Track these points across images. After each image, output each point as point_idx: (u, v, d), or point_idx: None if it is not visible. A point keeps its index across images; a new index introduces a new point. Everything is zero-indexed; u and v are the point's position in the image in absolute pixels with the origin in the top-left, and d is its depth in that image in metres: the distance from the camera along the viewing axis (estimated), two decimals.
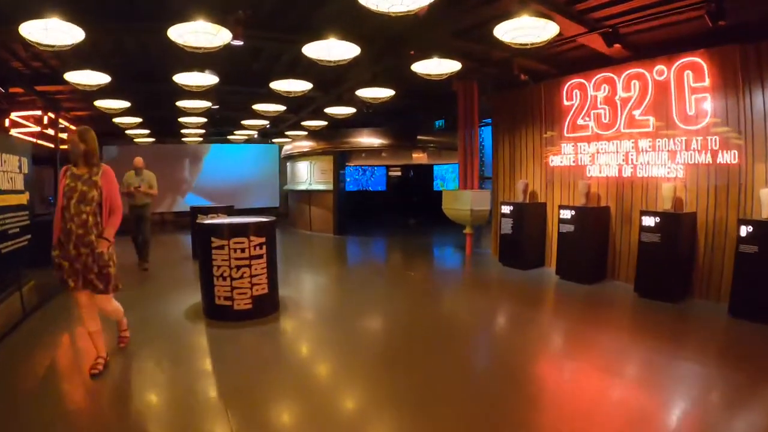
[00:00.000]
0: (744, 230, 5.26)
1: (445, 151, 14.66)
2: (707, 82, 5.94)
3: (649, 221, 6.05)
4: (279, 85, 7.01)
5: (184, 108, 8.99)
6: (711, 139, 5.96)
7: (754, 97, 5.62)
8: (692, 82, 6.07)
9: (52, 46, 4.31)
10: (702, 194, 6.11)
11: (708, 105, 5.95)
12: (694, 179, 6.16)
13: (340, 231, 13.39)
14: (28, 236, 5.55)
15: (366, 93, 7.60)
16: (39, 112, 9.49)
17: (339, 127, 12.92)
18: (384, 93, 7.58)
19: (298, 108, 10.51)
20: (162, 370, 3.97)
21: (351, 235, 13.32)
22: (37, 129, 9.84)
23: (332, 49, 5.24)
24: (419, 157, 15.47)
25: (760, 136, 5.59)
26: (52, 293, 6.02)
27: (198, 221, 5.52)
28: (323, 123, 11.48)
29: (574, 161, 7.58)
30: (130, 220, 7.95)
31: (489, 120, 11.05)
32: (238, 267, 5.10)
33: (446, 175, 17.39)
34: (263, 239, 5.24)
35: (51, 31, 4.20)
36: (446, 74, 6.13)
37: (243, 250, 5.10)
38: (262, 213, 18.88)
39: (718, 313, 5.40)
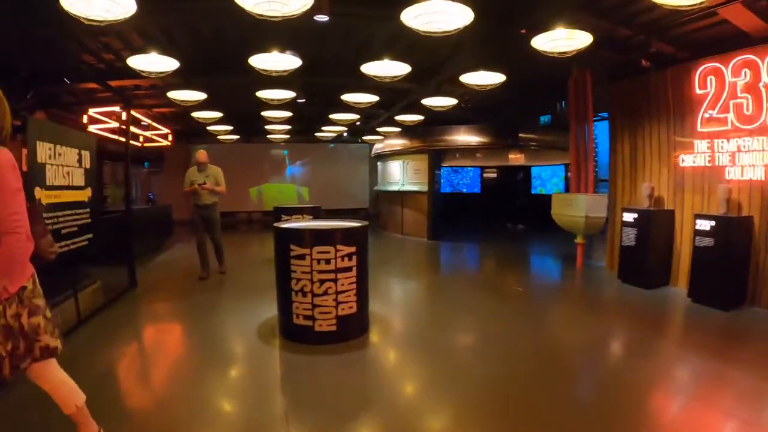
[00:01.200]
0: None
1: (545, 151, 14.23)
2: None
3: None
4: (371, 69, 6.76)
5: (266, 99, 8.95)
6: None
7: None
8: None
9: (100, 22, 4.01)
10: None
11: None
12: None
13: (434, 236, 13.36)
14: (89, 235, 5.57)
15: (471, 79, 7.32)
16: (117, 108, 10.01)
17: (434, 124, 12.95)
18: (492, 78, 7.24)
19: (392, 100, 10.60)
20: (215, 412, 3.60)
21: (445, 240, 13.25)
22: (114, 125, 10.64)
23: (437, 15, 4.40)
24: (516, 158, 15.09)
25: None
26: (119, 293, 6.74)
27: (275, 224, 5.22)
28: (418, 118, 11.43)
29: (709, 161, 6.89)
30: (196, 223, 7.91)
31: (604, 114, 10.41)
32: (322, 281, 4.75)
33: (545, 177, 16.76)
34: (353, 248, 4.84)
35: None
36: (573, 51, 5.47)
37: (328, 262, 4.73)
38: (351, 214, 20.37)
39: None
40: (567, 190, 14.70)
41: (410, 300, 7.52)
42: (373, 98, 9.01)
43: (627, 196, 8.47)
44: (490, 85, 7.40)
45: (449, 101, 9.44)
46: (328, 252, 4.74)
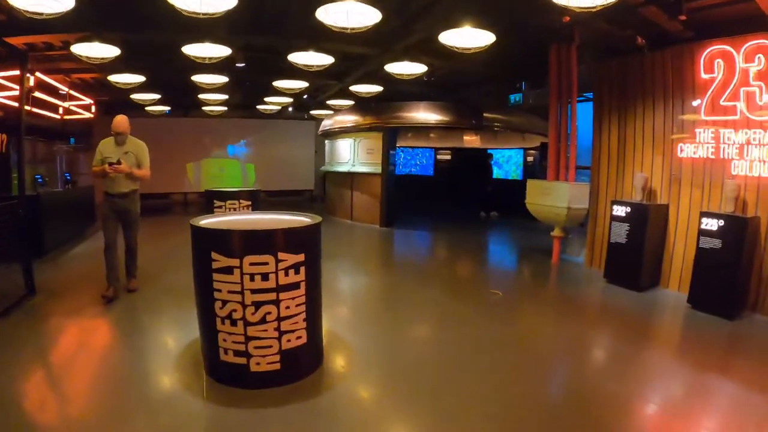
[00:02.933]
0: None
1: (503, 134, 14.44)
2: None
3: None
4: (330, 18, 5.95)
5: (196, 58, 8.06)
6: None
7: None
8: None
9: None
10: None
11: None
12: None
13: (387, 222, 13.18)
14: None
15: (452, 39, 6.82)
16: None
17: (390, 100, 12.69)
18: (477, 40, 6.78)
19: (347, 69, 10.13)
20: None
21: (400, 227, 13.08)
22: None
23: None
24: (471, 140, 15.22)
25: None
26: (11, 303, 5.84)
27: (192, 222, 4.11)
28: (376, 89, 11.02)
29: (713, 152, 6.98)
30: (105, 217, 6.36)
31: (588, 95, 10.47)
32: (258, 304, 3.80)
33: (501, 161, 17.19)
34: (301, 256, 3.92)
35: None
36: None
37: (266, 277, 3.77)
38: (295, 196, 20.04)
39: None
40: (526, 176, 14.95)
41: (372, 309, 6.73)
42: (327, 60, 8.43)
43: (612, 186, 8.51)
44: (473, 48, 6.98)
45: (417, 68, 9.00)
46: (266, 263, 3.76)
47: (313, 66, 8.50)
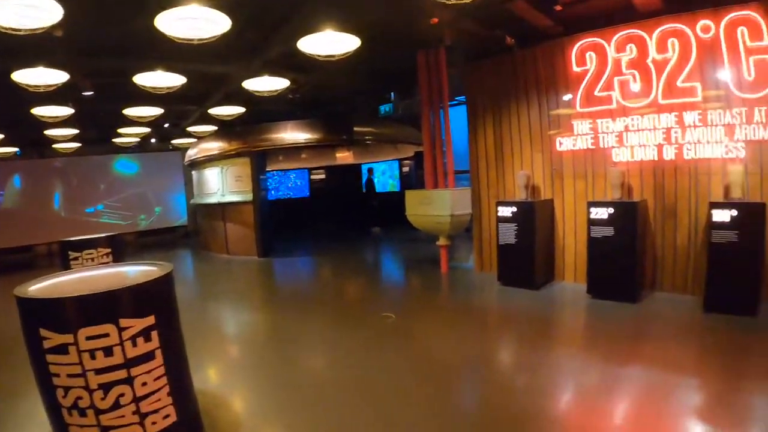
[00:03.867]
0: None
1: (376, 146, 14.50)
2: (766, 41, 5.93)
3: (722, 216, 5.87)
4: (173, 29, 5.28)
5: (27, 86, 6.93)
6: None
7: None
8: (748, 41, 6.02)
9: None
10: None
11: None
12: (758, 159, 6.13)
13: (265, 252, 12.51)
14: None
15: (314, 47, 6.39)
16: None
17: (255, 121, 12.25)
18: (346, 45, 6.43)
19: (206, 90, 9.39)
20: None
21: (279, 256, 12.49)
22: None
23: None
24: (344, 157, 15.14)
25: None
26: None
27: (17, 291, 3.26)
28: (238, 110, 10.43)
29: (593, 143, 7.33)
30: None
31: (461, 99, 10.68)
32: (106, 387, 3.08)
33: (377, 174, 17.40)
34: (150, 319, 3.26)
35: None
36: None
37: (109, 351, 3.06)
38: (170, 234, 18.51)
39: None
40: (404, 187, 15.07)
41: (257, 355, 5.83)
42: (178, 80, 7.68)
43: (494, 188, 8.65)
44: (338, 55, 6.64)
45: (278, 83, 8.52)
46: (107, 334, 3.05)
47: (162, 88, 7.69)
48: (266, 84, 8.44)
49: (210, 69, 8.29)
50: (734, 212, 5.81)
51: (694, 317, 5.98)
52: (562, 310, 6.93)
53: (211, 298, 8.81)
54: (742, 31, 6.04)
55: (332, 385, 4.69)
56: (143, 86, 7.50)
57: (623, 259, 6.69)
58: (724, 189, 6.31)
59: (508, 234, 7.80)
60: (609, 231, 6.78)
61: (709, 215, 5.95)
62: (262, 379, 4.97)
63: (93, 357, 3.03)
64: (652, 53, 6.65)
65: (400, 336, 6.09)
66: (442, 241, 9.06)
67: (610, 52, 6.99)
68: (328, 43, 6.33)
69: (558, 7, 6.37)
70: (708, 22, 6.22)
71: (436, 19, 7.05)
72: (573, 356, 5.16)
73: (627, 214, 6.68)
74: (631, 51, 6.81)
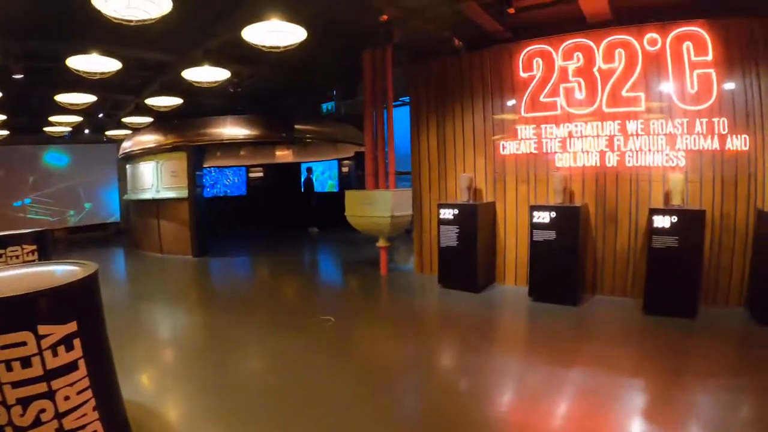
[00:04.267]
0: None
1: (316, 145, 14.39)
2: (710, 57, 6.27)
3: (662, 222, 6.13)
4: (110, 10, 4.97)
5: None
6: (718, 122, 6.28)
7: (763, 77, 6.15)
8: (693, 56, 6.36)
9: None
10: (707, 186, 6.43)
11: (713, 82, 6.28)
12: (698, 168, 6.45)
13: (200, 252, 12.06)
14: None
15: (259, 37, 6.11)
16: None
17: (193, 115, 11.85)
18: (292, 37, 6.17)
19: (143, 79, 8.97)
20: None
21: (214, 256, 12.09)
22: None
23: None
24: (284, 155, 14.97)
25: None
26: None
27: None
28: (176, 101, 10.01)
29: (536, 148, 7.49)
30: None
31: (405, 99, 10.68)
32: (25, 402, 2.79)
33: (315, 174, 17.39)
34: (72, 326, 2.99)
35: None
36: None
37: (27, 363, 2.79)
38: (100, 231, 17.56)
39: (744, 321, 5.96)
40: (343, 187, 14.99)
41: (191, 362, 5.40)
42: (113, 65, 7.25)
43: (435, 190, 8.69)
44: (284, 47, 6.39)
45: (219, 74, 8.22)
46: (24, 343, 2.77)
47: (96, 73, 7.24)
48: (207, 74, 8.11)
49: (148, 56, 7.94)
50: (675, 218, 6.07)
51: (635, 319, 6.21)
52: (504, 313, 7.01)
53: (143, 299, 8.33)
54: (687, 46, 6.37)
55: (272, 392, 4.48)
56: (76, 70, 7.02)
57: (564, 262, 6.86)
58: (665, 196, 6.61)
59: (450, 236, 7.82)
60: (551, 235, 6.92)
61: (650, 221, 6.19)
62: (198, 387, 4.65)
63: (9, 368, 2.73)
64: (599, 62, 6.88)
65: (341, 340, 5.94)
66: (381, 243, 8.99)
67: (557, 59, 7.17)
68: (274, 33, 6.11)
69: (510, 11, 6.44)
70: (655, 35, 6.52)
71: (386, 16, 7.01)
72: (516, 359, 5.23)
73: (569, 218, 6.85)
74: (578, 59, 7.02)
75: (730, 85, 6.27)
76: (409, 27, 7.51)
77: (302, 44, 6.26)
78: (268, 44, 6.24)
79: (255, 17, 5.89)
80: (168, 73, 8.55)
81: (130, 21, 5.14)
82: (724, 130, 6.29)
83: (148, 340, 6.12)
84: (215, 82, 8.28)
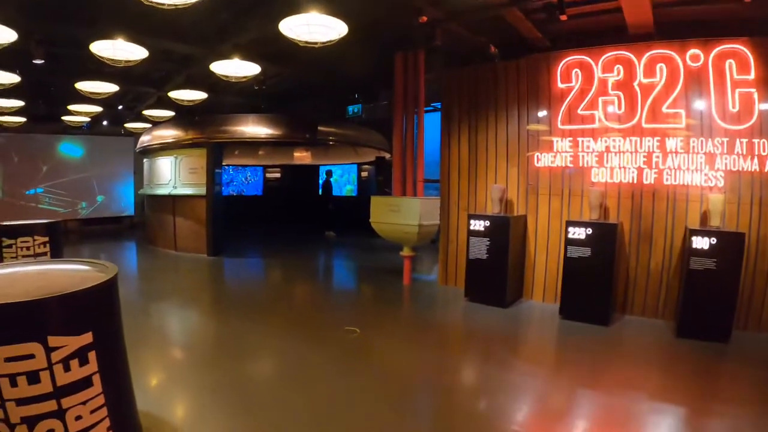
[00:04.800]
0: None
1: (335, 148, 14.54)
2: (753, 75, 6.26)
3: (701, 243, 6.10)
4: None
5: None
6: (758, 143, 6.26)
7: None
8: (735, 74, 6.35)
9: None
10: (745, 208, 6.41)
11: (754, 102, 6.27)
12: (736, 189, 6.43)
13: (216, 251, 12.13)
14: None
15: (296, 30, 6.01)
16: None
17: (215, 111, 12.00)
18: (329, 33, 6.10)
19: (167, 72, 9.06)
20: None
21: (230, 256, 12.12)
22: None
23: None
24: (302, 157, 15.09)
25: None
26: None
27: None
28: (200, 95, 10.14)
29: (572, 161, 7.49)
30: None
31: (436, 105, 10.73)
32: (31, 421, 2.59)
33: (334, 178, 17.51)
34: (88, 337, 2.78)
35: None
36: None
37: (35, 377, 2.58)
38: (113, 224, 17.91)
39: None
40: (362, 192, 15.10)
41: (209, 372, 5.14)
42: (139, 53, 7.27)
43: (464, 200, 8.70)
44: (321, 42, 6.32)
45: (248, 69, 8.27)
46: (32, 355, 2.56)
47: (121, 61, 7.31)
48: (236, 69, 8.19)
49: (176, 47, 8.02)
50: (714, 240, 6.04)
51: (668, 342, 6.19)
52: (536, 331, 7.01)
53: (155, 300, 8.20)
54: (730, 64, 6.35)
55: (296, 410, 4.28)
56: (100, 57, 7.08)
57: (599, 281, 6.84)
58: (702, 216, 6.59)
59: (480, 248, 7.82)
60: (586, 251, 6.91)
61: (689, 242, 6.17)
62: (212, 401, 4.42)
63: (14, 384, 2.51)
64: (640, 76, 6.87)
65: (367, 354, 5.80)
66: (406, 252, 9.01)
67: (597, 71, 7.17)
68: (312, 27, 6.08)
69: (563, 17, 6.33)
70: (697, 51, 6.51)
71: (425, 17, 7.05)
72: (547, 379, 5.15)
73: (605, 235, 6.84)
74: (618, 72, 7.02)
75: None
76: (447, 30, 7.53)
77: (338, 42, 6.26)
78: (304, 39, 6.21)
79: (294, 9, 5.87)
80: (194, 65, 8.64)
81: (162, 4, 5.20)
82: (764, 151, 6.27)
83: (160, 346, 5.96)
84: (245, 77, 8.37)
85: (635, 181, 7.02)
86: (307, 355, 5.64)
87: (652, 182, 6.91)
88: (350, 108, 13.85)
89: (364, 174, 17.15)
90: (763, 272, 6.38)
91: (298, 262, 12.11)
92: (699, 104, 6.60)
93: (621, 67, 7.00)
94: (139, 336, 5.77)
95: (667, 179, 6.81)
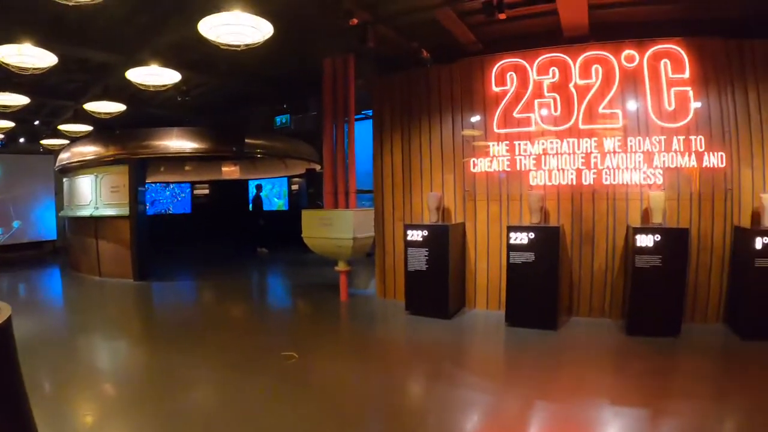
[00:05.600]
0: (759, 242, 5.87)
1: (266, 161, 14.28)
2: (687, 75, 6.52)
3: (645, 241, 6.24)
4: None
5: None
6: (695, 139, 6.51)
7: (738, 96, 6.49)
8: (670, 73, 6.60)
9: None
10: (685, 204, 6.63)
11: (689, 100, 6.54)
12: (675, 186, 6.65)
13: (142, 275, 11.46)
14: None
15: (221, 28, 5.74)
16: None
17: (136, 125, 11.53)
18: (253, 35, 5.87)
19: (84, 83, 8.50)
20: None
21: (157, 279, 11.52)
22: None
23: None
24: (230, 171, 14.74)
25: (745, 139, 6.46)
26: None
27: None
28: (118, 108, 9.65)
29: (509, 165, 7.52)
30: None
31: (367, 113, 10.60)
32: None
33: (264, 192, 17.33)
34: None
35: None
36: None
37: None
38: (32, 250, 16.66)
39: (726, 337, 6.26)
40: (293, 206, 14.87)
41: (137, 411, 4.62)
42: (49, 59, 6.77)
43: (400, 209, 8.57)
44: (243, 45, 6.05)
45: (168, 76, 7.87)
46: None
47: (28, 68, 6.80)
48: (154, 77, 7.76)
49: (89, 54, 7.57)
50: (658, 237, 6.19)
51: (619, 341, 6.30)
52: (483, 341, 6.96)
53: (77, 333, 7.49)
54: (665, 63, 6.61)
55: None
56: (6, 63, 6.55)
57: (543, 285, 6.84)
58: (643, 214, 6.76)
59: (418, 259, 7.68)
60: (529, 256, 6.91)
61: (633, 240, 6.29)
62: None
63: None
64: (575, 78, 7.02)
65: (308, 380, 5.40)
66: (341, 266, 8.76)
67: (532, 74, 7.26)
68: (234, 28, 5.80)
69: (502, 16, 6.25)
70: (633, 52, 6.73)
71: (355, 20, 6.91)
72: (502, 392, 5.00)
73: (548, 238, 6.86)
74: (554, 74, 7.13)
75: (706, 103, 6.51)
76: (378, 34, 7.40)
77: (261, 47, 6.03)
78: (227, 42, 5.95)
79: (216, 7, 5.56)
80: (111, 74, 8.19)
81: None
82: (701, 147, 6.53)
83: (87, 385, 5.20)
84: (163, 86, 7.96)
85: (574, 183, 7.13)
86: (244, 386, 5.18)
87: (592, 183, 7.03)
88: (278, 119, 13.57)
89: (295, 187, 16.90)
90: (706, 265, 6.64)
91: (230, 282, 11.63)
92: (635, 104, 6.81)
93: (556, 69, 7.11)
94: (57, 375, 5.29)
95: (606, 179, 6.95)
